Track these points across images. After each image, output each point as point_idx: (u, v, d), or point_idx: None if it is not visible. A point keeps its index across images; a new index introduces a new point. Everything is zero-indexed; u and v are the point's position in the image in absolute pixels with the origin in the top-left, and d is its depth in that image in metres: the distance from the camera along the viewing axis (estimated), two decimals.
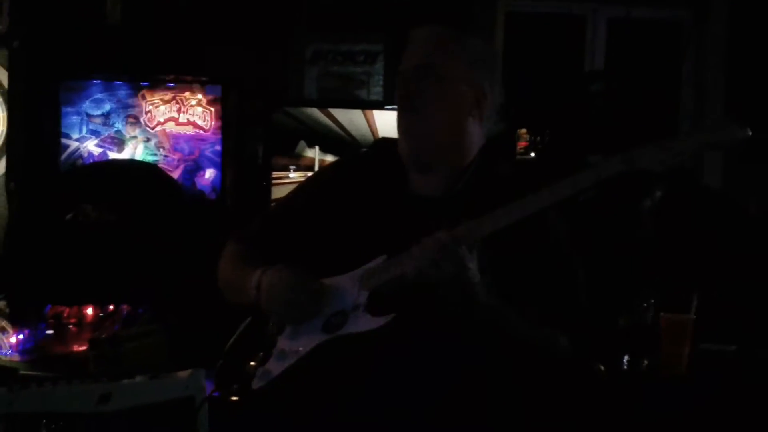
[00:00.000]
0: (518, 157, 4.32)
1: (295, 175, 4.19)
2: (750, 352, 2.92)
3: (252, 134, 4.41)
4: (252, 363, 2.00)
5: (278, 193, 4.15)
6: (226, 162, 4.34)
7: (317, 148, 4.21)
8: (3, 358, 3.11)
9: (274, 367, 1.96)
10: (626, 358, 2.80)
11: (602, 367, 2.76)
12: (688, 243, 3.45)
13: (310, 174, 4.00)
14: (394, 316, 1.85)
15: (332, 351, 1.90)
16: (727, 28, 4.55)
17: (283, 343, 1.99)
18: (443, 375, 1.89)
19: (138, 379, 2.32)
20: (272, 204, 4.03)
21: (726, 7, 4.57)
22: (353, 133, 4.22)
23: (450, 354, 1.89)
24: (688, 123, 4.65)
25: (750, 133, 1.68)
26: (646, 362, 2.78)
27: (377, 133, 4.17)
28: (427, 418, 1.85)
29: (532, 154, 4.32)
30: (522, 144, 4.34)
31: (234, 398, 1.98)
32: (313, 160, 4.22)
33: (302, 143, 4.19)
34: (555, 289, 1.96)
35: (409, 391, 1.87)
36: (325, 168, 2.29)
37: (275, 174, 4.21)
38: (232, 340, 2.11)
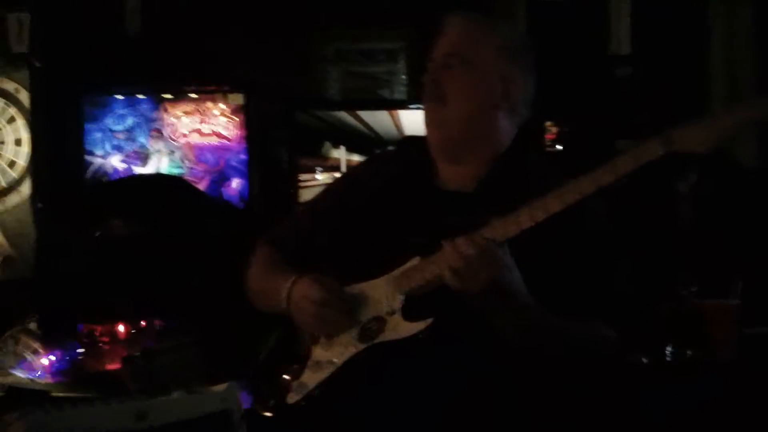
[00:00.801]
0: (547, 149, 4.26)
1: (321, 177, 4.16)
2: None
3: (276, 139, 4.38)
4: (286, 376, 1.95)
5: (306, 195, 4.13)
6: (252, 170, 4.32)
7: (343, 148, 4.17)
8: (38, 381, 3.10)
9: (310, 379, 1.91)
10: (669, 348, 2.75)
11: (645, 360, 2.71)
12: (729, 226, 3.39)
13: (336, 175, 4.01)
14: (432, 321, 1.79)
15: (370, 360, 1.86)
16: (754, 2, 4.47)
17: (317, 353, 1.94)
18: (489, 381, 1.83)
19: (174, 394, 2.29)
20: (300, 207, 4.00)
21: None
22: (379, 131, 4.18)
23: (492, 359, 1.83)
24: (719, 103, 4.56)
25: None
26: (689, 352, 2.73)
27: (403, 130, 4.13)
28: (475, 425, 1.80)
29: (559, 147, 4.27)
30: (549, 136, 4.29)
31: (269, 414, 1.93)
32: (338, 160, 4.19)
33: (327, 144, 4.16)
34: (598, 281, 1.89)
35: (453, 396, 1.82)
36: (352, 168, 2.25)
37: (302, 176, 4.18)
38: (265, 352, 2.07)
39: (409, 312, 1.84)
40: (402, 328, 1.83)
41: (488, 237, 1.73)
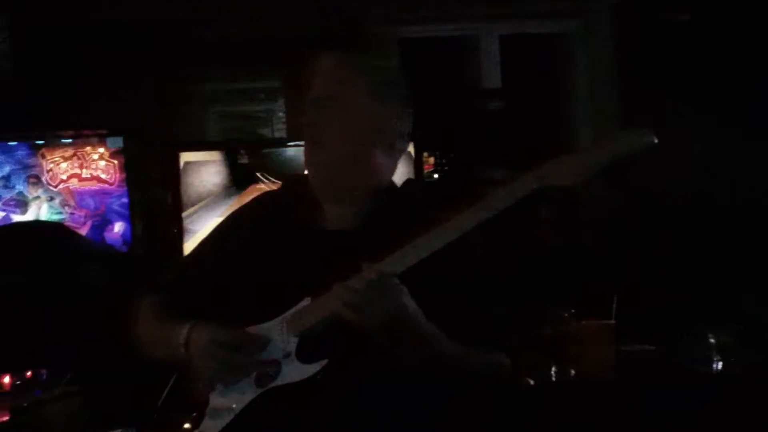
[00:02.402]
0: (425, 180, 4.36)
1: None
2: (669, 350, 3.00)
3: (158, 182, 4.37)
4: (186, 425, 1.95)
5: None
6: (134, 213, 4.29)
7: None
8: None
9: (209, 427, 1.91)
10: (554, 369, 2.83)
11: (531, 381, 2.78)
12: (602, 247, 3.52)
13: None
14: (327, 362, 1.82)
15: (267, 405, 1.87)
16: (612, 36, 4.68)
17: (215, 401, 1.94)
18: (390, 417, 1.87)
19: None
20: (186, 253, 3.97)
21: (609, 15, 4.70)
22: None
23: (391, 395, 1.87)
24: (584, 133, 4.75)
25: (655, 139, 1.68)
26: (573, 372, 2.82)
27: None
28: None
29: (436, 176, 4.37)
30: (427, 167, 4.39)
31: None
32: None
33: None
34: (484, 307, 1.94)
35: None
36: (237, 211, 2.24)
37: None
38: (161, 400, 2.05)
39: (305, 353, 1.86)
40: (298, 371, 1.84)
41: (378, 273, 1.76)
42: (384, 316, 1.74)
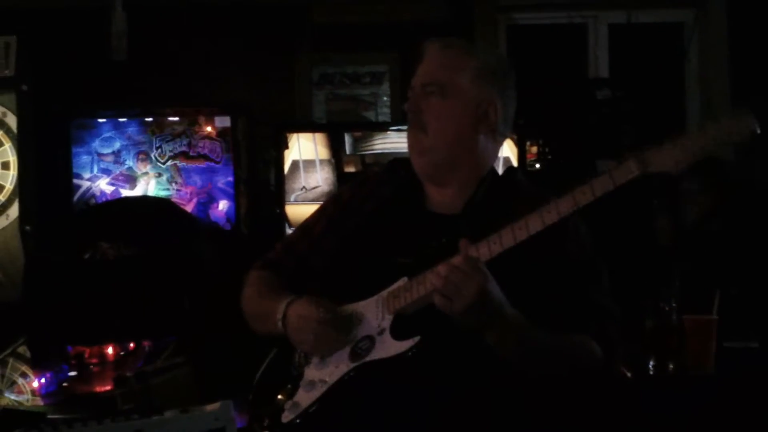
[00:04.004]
0: (527, 168, 4.33)
1: None
2: None
3: (262, 161, 4.44)
4: (281, 396, 1.99)
5: None
6: (239, 192, 4.37)
7: None
8: (25, 403, 3.11)
9: (303, 398, 1.94)
10: (652, 362, 2.79)
11: (628, 373, 2.75)
12: (707, 242, 3.45)
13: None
14: (419, 339, 1.83)
15: (361, 378, 1.89)
16: (727, 26, 4.57)
17: (310, 373, 1.98)
18: (477, 397, 1.88)
19: (168, 413, 2.31)
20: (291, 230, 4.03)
21: (725, 4, 4.60)
22: None
23: (481, 375, 1.88)
24: (695, 123, 4.65)
25: (757, 126, 1.65)
26: (671, 365, 2.78)
27: None
28: None
29: (537, 166, 4.33)
30: (529, 156, 4.36)
31: None
32: None
33: None
34: (581, 298, 1.93)
35: (442, 412, 1.86)
36: (344, 190, 2.28)
37: None
38: (260, 372, 2.10)
39: (399, 331, 1.88)
40: (391, 347, 1.86)
41: (472, 257, 1.77)
42: (467, 301, 1.74)
